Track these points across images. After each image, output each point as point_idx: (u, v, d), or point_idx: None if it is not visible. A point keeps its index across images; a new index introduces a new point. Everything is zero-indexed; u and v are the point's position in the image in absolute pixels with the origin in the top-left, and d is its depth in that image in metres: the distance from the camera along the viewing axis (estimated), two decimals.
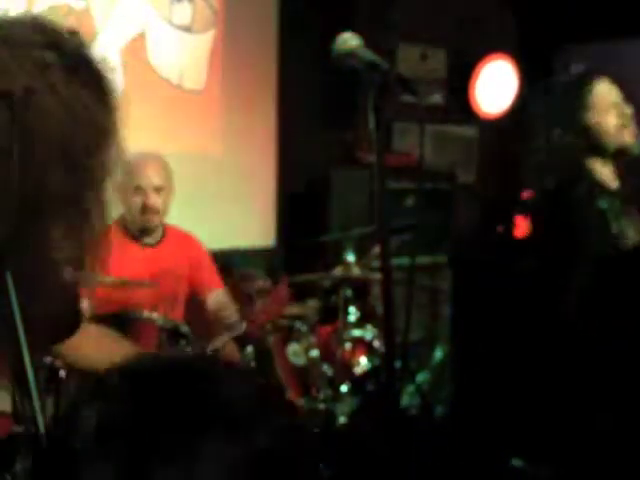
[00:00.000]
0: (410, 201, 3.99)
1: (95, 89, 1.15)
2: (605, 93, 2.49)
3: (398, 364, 2.06)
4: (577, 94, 2.49)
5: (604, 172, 2.50)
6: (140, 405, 0.67)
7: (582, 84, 2.50)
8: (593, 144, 2.47)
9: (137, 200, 3.10)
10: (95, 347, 1.68)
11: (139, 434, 0.64)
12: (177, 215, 3.32)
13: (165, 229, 3.27)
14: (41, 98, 1.08)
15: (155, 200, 3.11)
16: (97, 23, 3.94)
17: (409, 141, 4.87)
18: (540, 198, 2.56)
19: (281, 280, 2.81)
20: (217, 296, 3.31)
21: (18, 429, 1.21)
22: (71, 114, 1.10)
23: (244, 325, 2.58)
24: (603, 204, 2.36)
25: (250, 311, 2.78)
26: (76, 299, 1.60)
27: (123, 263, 3.07)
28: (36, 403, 1.01)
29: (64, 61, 1.11)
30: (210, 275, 3.36)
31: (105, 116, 1.16)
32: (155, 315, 2.86)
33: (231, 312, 3.22)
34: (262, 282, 2.90)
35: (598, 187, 2.43)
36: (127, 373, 0.71)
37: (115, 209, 3.10)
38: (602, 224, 2.34)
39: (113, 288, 2.98)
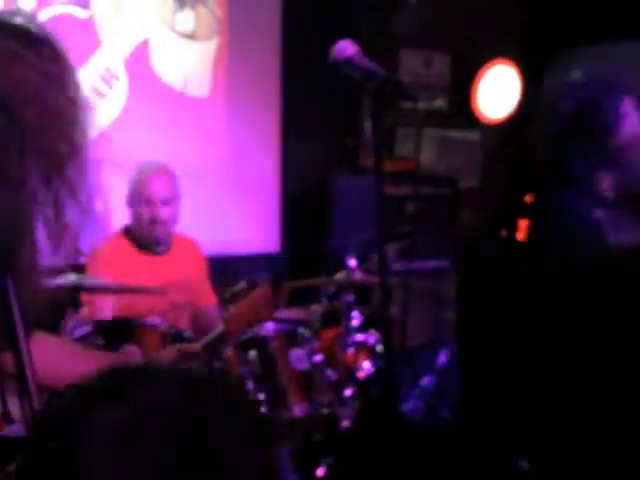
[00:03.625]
0: (411, 207, 3.99)
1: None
2: None
3: (400, 368, 2.07)
4: None
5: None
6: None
7: None
8: None
9: (145, 212, 3.12)
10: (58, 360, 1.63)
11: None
12: (180, 221, 3.34)
13: (172, 237, 3.28)
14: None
15: (163, 212, 3.14)
16: (101, 31, 3.97)
17: (411, 146, 4.88)
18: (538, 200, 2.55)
19: (261, 283, 2.79)
20: (210, 310, 3.33)
21: (10, 429, 1.22)
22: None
23: (220, 328, 2.58)
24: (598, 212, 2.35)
25: (226, 313, 2.76)
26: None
27: (131, 272, 3.09)
28: (35, 403, 1.03)
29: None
30: (208, 288, 3.38)
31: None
32: (157, 320, 2.88)
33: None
34: (241, 285, 2.88)
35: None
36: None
37: (122, 219, 3.14)
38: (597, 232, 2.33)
39: (121, 296, 3.00)
